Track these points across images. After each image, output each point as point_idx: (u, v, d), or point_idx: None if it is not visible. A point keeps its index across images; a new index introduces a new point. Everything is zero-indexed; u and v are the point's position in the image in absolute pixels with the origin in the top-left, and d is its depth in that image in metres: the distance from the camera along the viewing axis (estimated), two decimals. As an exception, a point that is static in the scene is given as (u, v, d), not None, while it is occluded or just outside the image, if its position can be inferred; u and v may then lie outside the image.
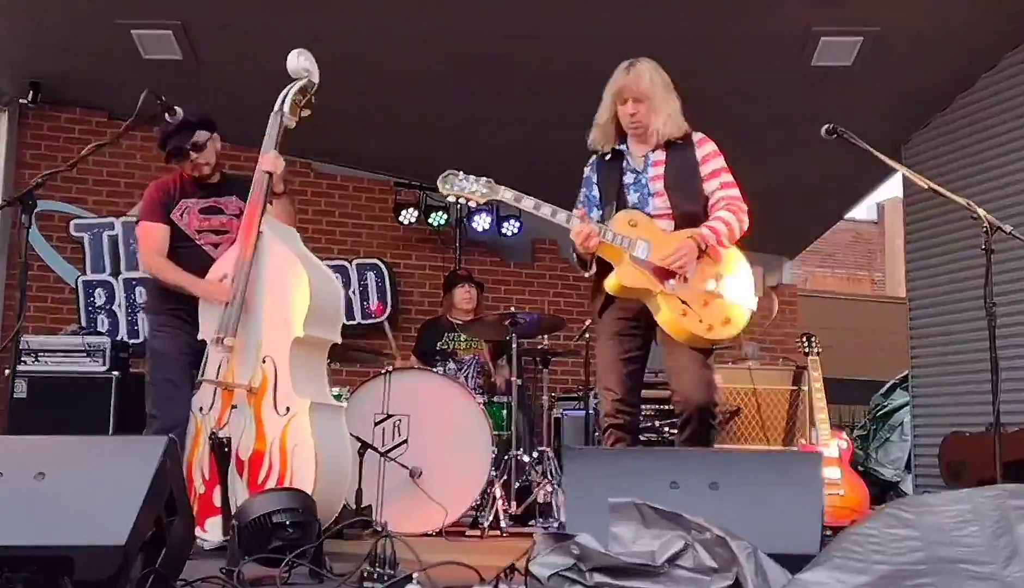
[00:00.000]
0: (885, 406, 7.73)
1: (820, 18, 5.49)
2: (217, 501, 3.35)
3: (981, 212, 3.07)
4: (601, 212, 3.43)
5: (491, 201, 3.36)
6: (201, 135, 3.79)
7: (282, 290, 3.48)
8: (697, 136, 3.47)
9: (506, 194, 3.32)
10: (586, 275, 3.45)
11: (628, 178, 3.42)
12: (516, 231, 7.49)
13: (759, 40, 5.66)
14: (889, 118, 6.37)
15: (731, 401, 4.50)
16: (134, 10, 5.48)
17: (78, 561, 2.14)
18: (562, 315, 5.91)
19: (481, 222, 7.44)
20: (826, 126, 3.36)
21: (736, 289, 3.32)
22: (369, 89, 6.10)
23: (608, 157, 3.48)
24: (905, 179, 6.80)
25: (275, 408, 3.35)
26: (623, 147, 3.47)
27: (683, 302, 3.24)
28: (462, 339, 5.52)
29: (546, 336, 5.26)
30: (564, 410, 5.96)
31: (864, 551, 1.64)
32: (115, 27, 5.57)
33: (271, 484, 3.26)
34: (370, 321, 6.96)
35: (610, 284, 3.30)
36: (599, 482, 2.08)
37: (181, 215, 3.85)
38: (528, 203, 3.31)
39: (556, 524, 4.63)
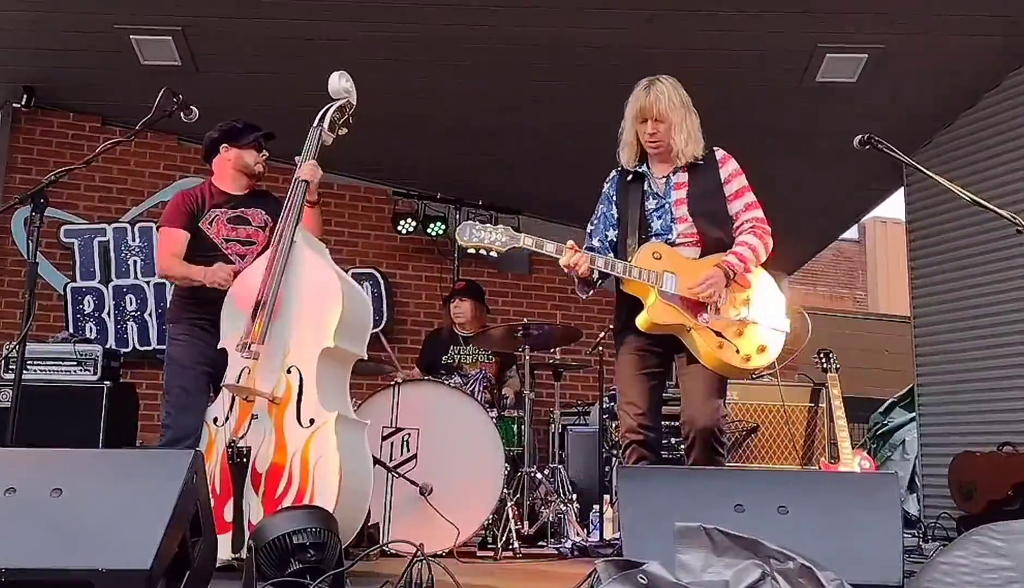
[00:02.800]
0: (885, 425, 7.68)
1: (827, 35, 5.47)
2: (227, 516, 3.24)
3: (1028, 225, 3.00)
4: (615, 233, 3.38)
5: (512, 249, 3.28)
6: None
7: (314, 299, 3.42)
8: (719, 154, 3.39)
9: (527, 240, 3.26)
10: (583, 297, 3.44)
11: (650, 203, 3.34)
12: (515, 243, 7.39)
13: (766, 55, 5.64)
14: (891, 136, 6.22)
15: (749, 419, 4.42)
16: (134, 15, 5.40)
17: (98, 586, 2.00)
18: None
19: (480, 233, 7.32)
20: (859, 137, 3.32)
21: (768, 313, 3.24)
22: (368, 96, 6.02)
23: (629, 178, 3.40)
24: (907, 197, 6.88)
25: (298, 420, 3.26)
26: (644, 169, 3.39)
27: (718, 334, 3.16)
28: (468, 352, 5.41)
29: (558, 349, 5.15)
30: (569, 426, 5.85)
31: (956, 582, 1.54)
32: (114, 32, 5.49)
33: (289, 499, 3.15)
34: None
35: (642, 322, 3.21)
36: (657, 504, 1.97)
37: (210, 224, 3.85)
38: (550, 247, 3.25)
39: (569, 544, 4.52)
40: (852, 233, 18.41)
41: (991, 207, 3.13)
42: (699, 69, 5.76)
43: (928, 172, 3.36)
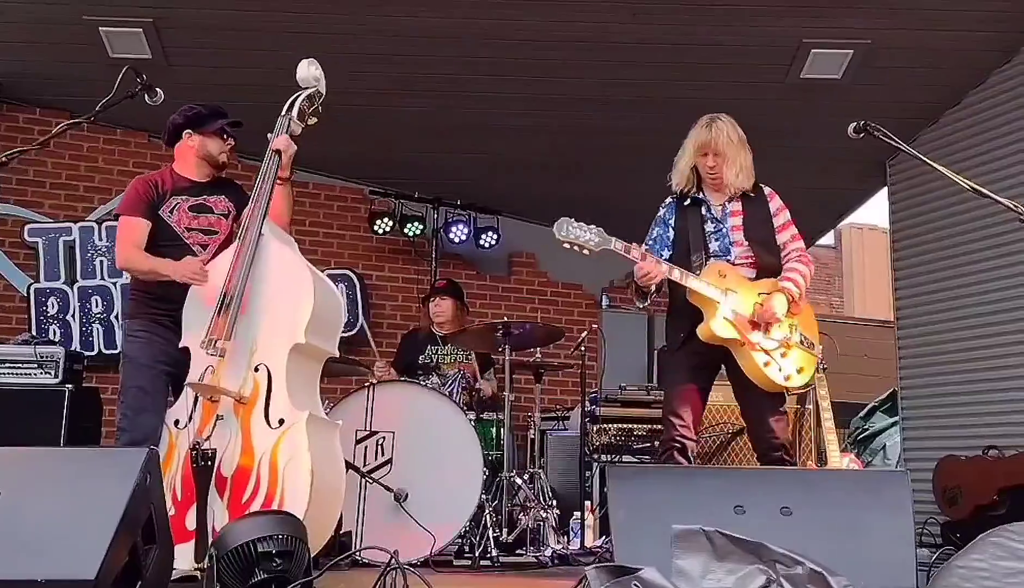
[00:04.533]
0: (866, 429, 7.62)
1: (813, 30, 5.41)
2: (190, 524, 3.07)
3: (1029, 215, 2.93)
4: (669, 254, 3.62)
5: (605, 251, 3.42)
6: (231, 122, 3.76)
7: (284, 293, 3.29)
8: (767, 190, 3.73)
9: (617, 245, 3.41)
10: (640, 307, 3.66)
11: (709, 226, 3.64)
12: (493, 243, 7.33)
13: (751, 50, 5.57)
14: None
15: (735, 421, 4.31)
16: (103, 7, 5.24)
17: (38, 598, 1.83)
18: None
19: (458, 233, 7.24)
20: (854, 123, 3.40)
21: (808, 338, 3.59)
22: (345, 91, 5.90)
23: (687, 203, 3.68)
24: (891, 197, 6.81)
25: (266, 420, 3.10)
26: (702, 195, 3.68)
27: (766, 353, 3.47)
28: (446, 352, 5.26)
29: (539, 349, 5.01)
30: (550, 429, 5.71)
31: (976, 587, 1.42)
32: (82, 24, 5.33)
33: (257, 503, 2.99)
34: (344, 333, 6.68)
35: (703, 332, 3.47)
36: (651, 505, 1.83)
37: (171, 212, 3.66)
38: (636, 253, 3.44)
39: (549, 552, 4.39)
40: (828, 239, 18.50)
41: (992, 195, 3.06)
42: (683, 64, 5.71)
43: (930, 162, 3.28)
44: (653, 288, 3.50)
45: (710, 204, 3.67)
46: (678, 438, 3.45)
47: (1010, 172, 5.67)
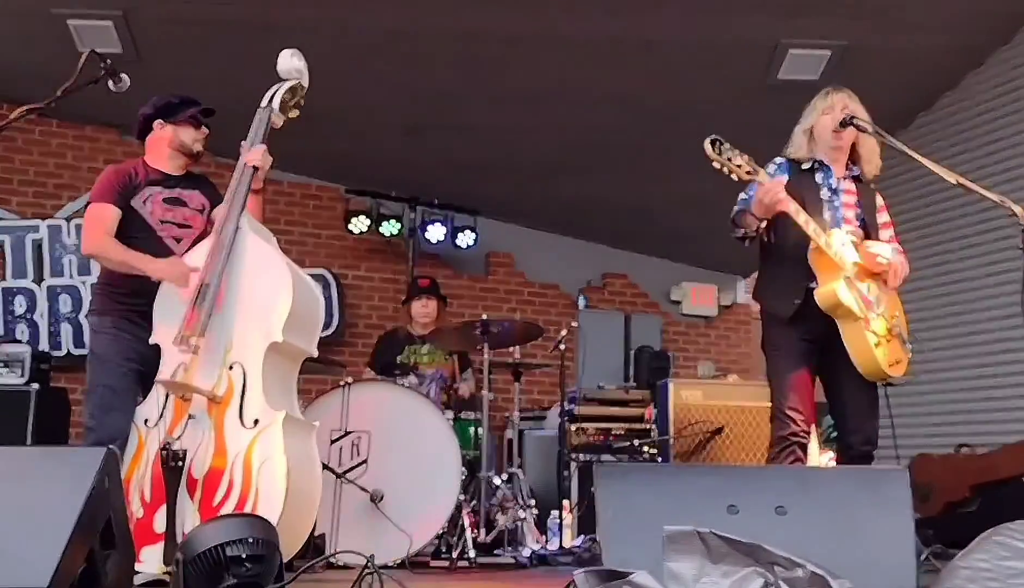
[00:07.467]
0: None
1: (790, 30, 5.40)
2: (159, 526, 2.99)
3: (1018, 209, 2.94)
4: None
5: (752, 181, 3.26)
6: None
7: (261, 290, 3.18)
8: (873, 186, 3.64)
9: (763, 176, 3.25)
10: (738, 233, 3.41)
11: (824, 194, 3.47)
12: (471, 243, 7.29)
13: (727, 49, 5.55)
14: (851, 136, 6.35)
15: (713, 419, 4.28)
16: (73, -1, 5.14)
17: (-16, 609, 1.72)
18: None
19: (435, 233, 7.19)
20: (841, 118, 3.39)
21: (905, 333, 3.54)
22: (321, 89, 5.82)
23: (804, 167, 3.49)
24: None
25: (241, 420, 3.01)
26: (823, 160, 3.50)
27: (877, 335, 3.35)
28: (423, 352, 5.18)
29: (517, 348, 4.95)
30: (528, 429, 5.66)
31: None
32: (50, 16, 5.21)
33: (230, 506, 2.91)
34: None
35: (825, 297, 3.31)
36: (640, 505, 1.77)
37: (144, 202, 3.53)
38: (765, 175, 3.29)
39: (528, 552, 4.34)
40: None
41: (978, 189, 3.06)
42: (662, 63, 5.70)
43: (917, 156, 3.26)
44: (763, 224, 3.32)
45: (831, 173, 3.49)
46: (800, 433, 3.33)
47: (985, 173, 5.67)
